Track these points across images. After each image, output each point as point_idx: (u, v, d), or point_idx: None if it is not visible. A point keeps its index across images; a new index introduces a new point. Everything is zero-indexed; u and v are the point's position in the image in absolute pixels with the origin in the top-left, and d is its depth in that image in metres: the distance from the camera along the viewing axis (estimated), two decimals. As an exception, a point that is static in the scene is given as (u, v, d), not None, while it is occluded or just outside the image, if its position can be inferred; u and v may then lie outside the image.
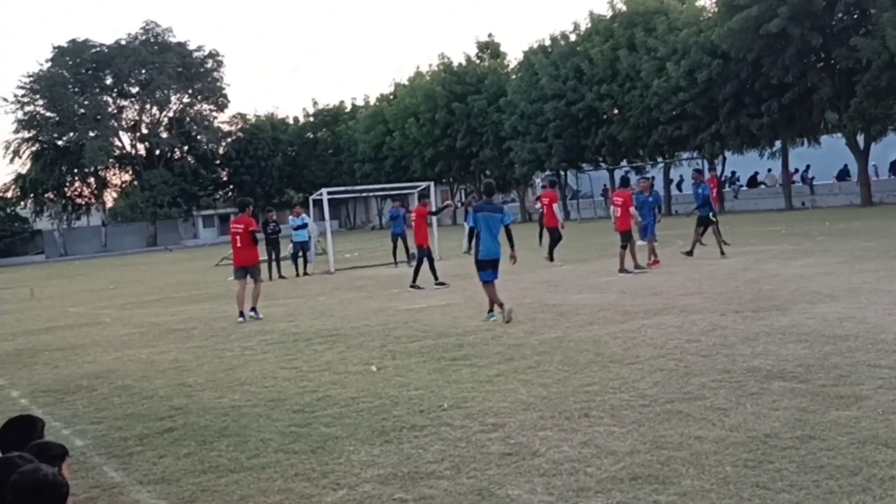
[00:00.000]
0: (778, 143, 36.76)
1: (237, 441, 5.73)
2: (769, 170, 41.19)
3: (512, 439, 5.21)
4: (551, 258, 17.65)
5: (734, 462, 4.44)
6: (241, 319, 12.26)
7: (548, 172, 48.53)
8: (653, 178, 22.93)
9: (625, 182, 16.44)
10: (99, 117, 62.13)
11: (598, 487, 4.26)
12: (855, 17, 32.14)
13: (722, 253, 15.92)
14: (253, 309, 12.60)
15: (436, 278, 14.97)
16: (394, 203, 24.00)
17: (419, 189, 21.98)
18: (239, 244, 12.73)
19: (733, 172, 43.15)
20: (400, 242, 21.34)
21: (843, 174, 37.45)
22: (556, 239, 17.94)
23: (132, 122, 66.33)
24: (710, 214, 16.44)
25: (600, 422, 5.42)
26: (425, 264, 14.98)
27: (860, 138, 33.13)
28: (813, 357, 6.72)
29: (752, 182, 43.61)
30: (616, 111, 41.87)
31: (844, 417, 5.04)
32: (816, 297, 9.95)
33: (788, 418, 5.12)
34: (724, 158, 40.06)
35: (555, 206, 18.85)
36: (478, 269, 10.35)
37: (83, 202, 66.23)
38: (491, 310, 10.32)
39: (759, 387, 5.93)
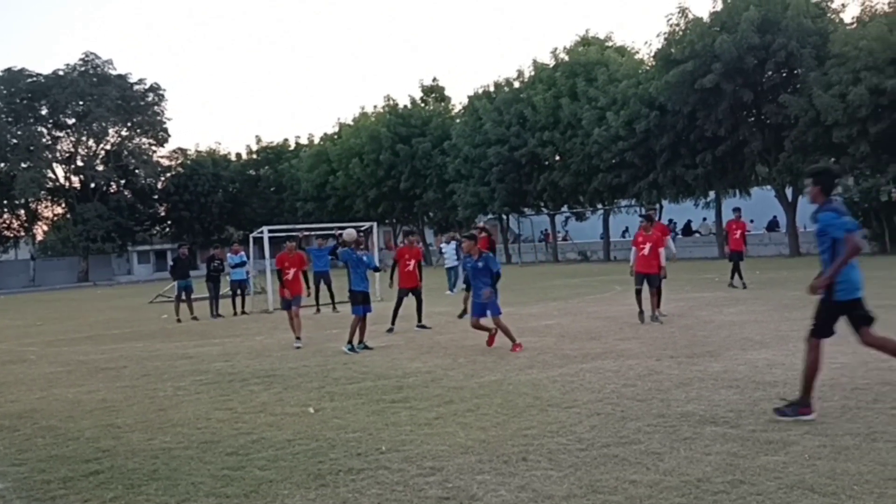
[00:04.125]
0: (712, 194, 37.98)
1: (167, 484, 5.55)
2: (704, 219, 42.48)
3: (450, 483, 5.18)
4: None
5: (668, 506, 4.50)
6: None
7: (490, 216, 49.11)
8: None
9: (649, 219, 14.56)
10: (32, 148, 60.34)
11: (535, 532, 4.26)
12: (784, 75, 33.68)
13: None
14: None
15: (419, 319, 14.58)
16: (318, 240, 22.51)
17: (362, 227, 21.88)
18: None
19: (670, 220, 44.33)
20: (323, 284, 19.84)
21: (773, 225, 38.84)
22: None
23: (67, 154, 64.75)
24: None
25: (538, 465, 5.43)
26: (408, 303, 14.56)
27: (788, 191, 34.46)
28: (744, 402, 6.89)
29: (687, 230, 44.90)
30: (558, 157, 42.77)
31: (773, 462, 5.17)
32: (747, 343, 10.23)
33: (720, 463, 5.22)
34: (661, 207, 41.14)
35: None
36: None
37: (11, 235, 64.17)
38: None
39: (693, 431, 6.04)
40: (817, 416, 6.18)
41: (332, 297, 19.63)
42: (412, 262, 14.56)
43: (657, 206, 40.11)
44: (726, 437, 5.84)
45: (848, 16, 36.37)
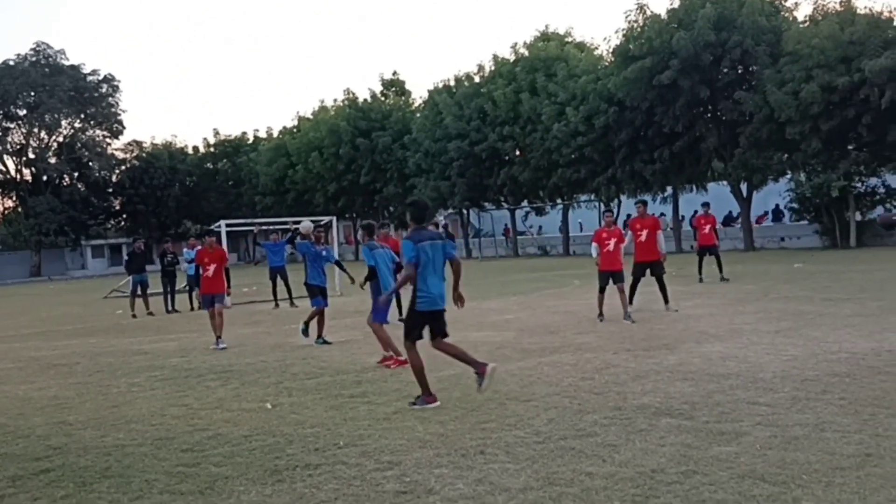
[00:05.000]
0: (669, 189, 38.49)
1: (120, 482, 5.46)
2: (662, 214, 43.00)
3: (407, 477, 5.18)
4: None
5: (622, 497, 4.55)
6: None
7: (451, 211, 49.14)
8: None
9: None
10: (-19, 139, 59.02)
11: (492, 525, 4.28)
12: (739, 72, 34.27)
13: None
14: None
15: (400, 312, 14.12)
16: (273, 235, 21.91)
17: (321, 221, 21.65)
18: None
19: (629, 215, 44.76)
20: (280, 280, 19.44)
21: (728, 220, 39.48)
22: None
23: (18, 146, 63.25)
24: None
25: (495, 459, 5.46)
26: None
27: (743, 186, 35.08)
28: (698, 395, 7.00)
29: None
30: (518, 153, 42.95)
31: (726, 453, 5.26)
32: (702, 336, 10.39)
33: (674, 454, 5.30)
34: (620, 202, 41.57)
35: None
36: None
37: (-40, 229, 62.61)
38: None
39: (648, 423, 6.12)
40: (440, 403, 7.15)
41: (289, 292, 19.43)
42: None
43: (616, 200, 40.56)
44: (681, 428, 5.93)
45: (801, 14, 37.12)
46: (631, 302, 13.06)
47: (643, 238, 13.44)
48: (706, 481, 4.73)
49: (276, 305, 19.26)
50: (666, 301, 13.42)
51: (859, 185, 31.81)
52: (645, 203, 14.34)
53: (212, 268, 12.80)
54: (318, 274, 12.33)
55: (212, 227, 23.95)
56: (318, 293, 12.09)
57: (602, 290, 12.86)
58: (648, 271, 13.45)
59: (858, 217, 31.96)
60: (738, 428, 5.84)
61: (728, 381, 7.46)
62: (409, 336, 7.24)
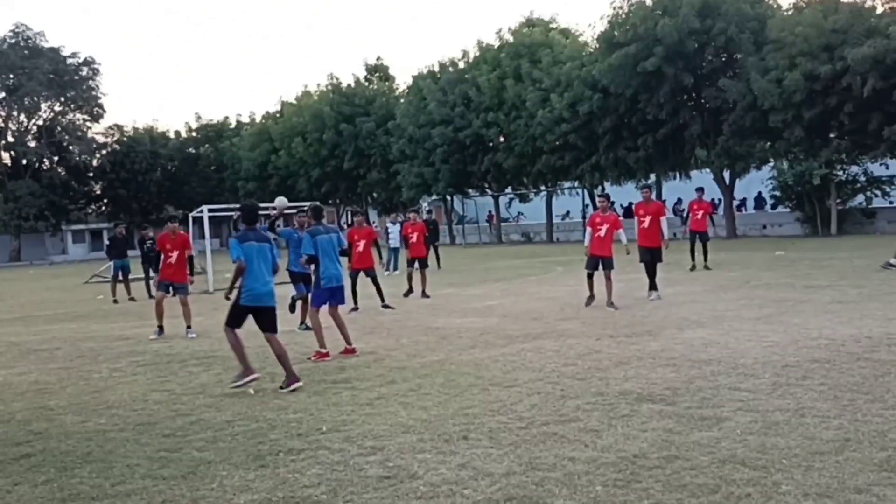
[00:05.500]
0: (653, 176, 38.62)
1: (101, 467, 5.43)
2: (644, 201, 43.14)
3: (390, 462, 5.18)
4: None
5: (604, 482, 4.58)
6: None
7: (434, 197, 49.08)
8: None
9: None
10: (-41, 123, 58.18)
11: (475, 509, 4.30)
12: (723, 59, 34.38)
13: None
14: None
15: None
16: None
17: (304, 207, 21.45)
18: None
19: (612, 203, 44.92)
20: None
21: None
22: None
23: (-4, 130, 62.46)
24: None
25: (478, 444, 5.47)
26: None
27: (726, 174, 35.27)
28: (680, 380, 7.05)
29: (629, 213, 45.53)
30: (502, 139, 42.93)
31: (707, 438, 5.30)
32: (684, 323, 10.46)
33: (656, 439, 5.34)
34: (604, 189, 41.65)
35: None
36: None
37: (-62, 213, 61.67)
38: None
39: (630, 409, 6.16)
40: (261, 375, 7.94)
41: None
42: (362, 242, 14.14)
43: (600, 187, 40.64)
44: (662, 413, 5.97)
45: (785, 2, 37.19)
46: (654, 285, 13.16)
47: (646, 224, 13.38)
48: (687, 466, 4.76)
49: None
50: (651, 288, 13.39)
51: (840, 173, 32.08)
52: (650, 188, 14.33)
53: (174, 254, 12.36)
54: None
55: (193, 212, 23.83)
56: (299, 280, 12.01)
57: (590, 276, 12.70)
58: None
59: (840, 205, 32.23)
60: (720, 413, 5.89)
61: (710, 367, 7.51)
62: (231, 323, 7.96)
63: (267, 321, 7.90)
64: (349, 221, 62.96)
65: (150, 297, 19.78)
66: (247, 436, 6.02)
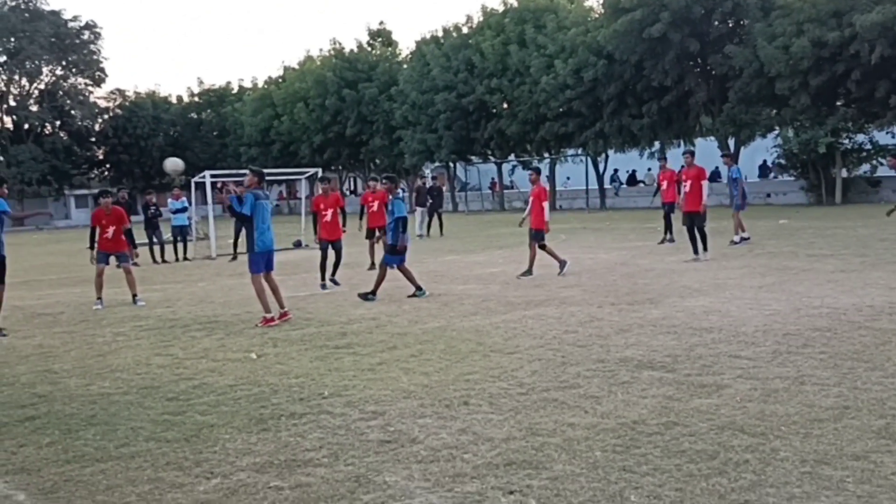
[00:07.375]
0: (657, 144, 38.38)
1: (105, 430, 5.48)
2: (649, 169, 42.95)
3: (391, 427, 5.23)
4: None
5: (604, 447, 4.62)
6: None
7: (437, 164, 48.87)
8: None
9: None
10: (-40, 87, 57.85)
11: (474, 473, 4.34)
12: (730, 25, 33.95)
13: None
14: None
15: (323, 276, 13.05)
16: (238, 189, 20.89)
17: (307, 174, 21.48)
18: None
19: (615, 170, 44.73)
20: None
21: (714, 176, 39.47)
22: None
23: (-2, 94, 62.11)
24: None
25: (479, 409, 5.51)
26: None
27: (731, 142, 35.02)
28: (680, 348, 7.07)
29: (632, 180, 45.41)
30: (505, 105, 42.58)
31: (706, 405, 5.33)
32: (686, 291, 10.47)
33: (655, 406, 5.37)
34: (607, 156, 41.47)
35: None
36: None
37: (-61, 177, 61.54)
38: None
39: (630, 376, 6.19)
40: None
41: (235, 246, 19.10)
42: (328, 211, 13.08)
43: (604, 155, 40.46)
44: (662, 381, 6.00)
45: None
46: (697, 249, 13.66)
47: (687, 188, 13.78)
48: (686, 432, 4.80)
49: (235, 258, 19.07)
50: (695, 251, 13.70)
51: (846, 141, 31.82)
52: (692, 153, 14.74)
53: (111, 230, 12.25)
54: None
55: (196, 177, 23.77)
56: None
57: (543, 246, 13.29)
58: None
59: (845, 173, 32.04)
60: (719, 381, 5.92)
61: (710, 335, 7.53)
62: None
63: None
64: (352, 188, 62.87)
65: (154, 261, 19.92)
66: (249, 400, 6.07)
